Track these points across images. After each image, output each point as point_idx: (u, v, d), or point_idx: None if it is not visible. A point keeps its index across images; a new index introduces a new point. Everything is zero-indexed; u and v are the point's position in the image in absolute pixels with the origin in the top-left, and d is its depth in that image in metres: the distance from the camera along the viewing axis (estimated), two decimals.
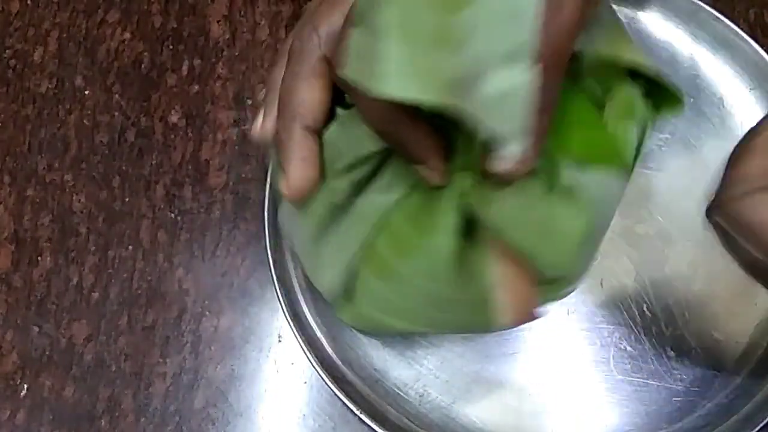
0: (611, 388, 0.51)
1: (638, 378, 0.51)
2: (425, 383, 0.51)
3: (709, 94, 0.58)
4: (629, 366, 0.51)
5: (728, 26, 0.57)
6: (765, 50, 0.56)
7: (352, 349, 0.52)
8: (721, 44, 0.58)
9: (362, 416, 0.48)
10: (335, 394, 0.48)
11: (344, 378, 0.50)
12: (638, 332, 0.52)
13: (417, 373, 0.52)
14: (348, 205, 0.41)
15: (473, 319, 0.42)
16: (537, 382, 0.51)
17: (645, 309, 0.52)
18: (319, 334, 0.52)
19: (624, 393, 0.51)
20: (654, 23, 0.60)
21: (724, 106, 0.58)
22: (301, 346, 0.49)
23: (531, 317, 0.40)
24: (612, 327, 0.52)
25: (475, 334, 0.51)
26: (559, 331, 0.52)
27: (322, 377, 0.48)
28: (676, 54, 0.59)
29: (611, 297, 0.53)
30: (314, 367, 0.49)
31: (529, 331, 0.52)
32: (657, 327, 0.52)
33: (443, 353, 0.52)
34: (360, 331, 0.52)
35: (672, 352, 0.52)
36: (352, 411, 0.48)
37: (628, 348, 0.52)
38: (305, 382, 0.52)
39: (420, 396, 0.51)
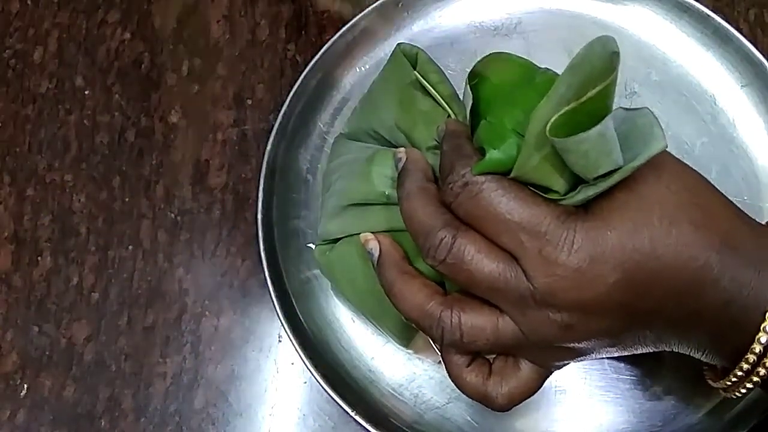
0: (606, 387, 0.49)
1: (632, 376, 0.49)
2: (420, 384, 0.49)
3: (700, 92, 0.55)
4: (623, 364, 0.49)
5: (719, 23, 0.54)
6: (765, 49, 0.52)
7: (347, 350, 0.49)
8: (712, 41, 0.55)
9: (357, 418, 0.45)
10: (330, 396, 0.46)
11: (339, 380, 0.48)
12: None
13: (411, 374, 0.49)
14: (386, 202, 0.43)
15: (397, 329, 0.45)
16: None
17: None
18: (313, 336, 0.49)
19: (618, 391, 0.48)
20: (645, 20, 0.57)
21: (716, 104, 0.55)
22: (296, 348, 0.47)
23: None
24: None
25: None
26: None
27: (316, 379, 0.46)
28: (667, 51, 0.56)
29: None
30: (309, 368, 0.46)
31: None
32: None
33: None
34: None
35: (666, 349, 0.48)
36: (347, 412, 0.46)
37: None
38: (305, 382, 0.50)
39: (415, 396, 0.49)
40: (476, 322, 0.35)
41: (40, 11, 0.60)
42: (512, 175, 0.34)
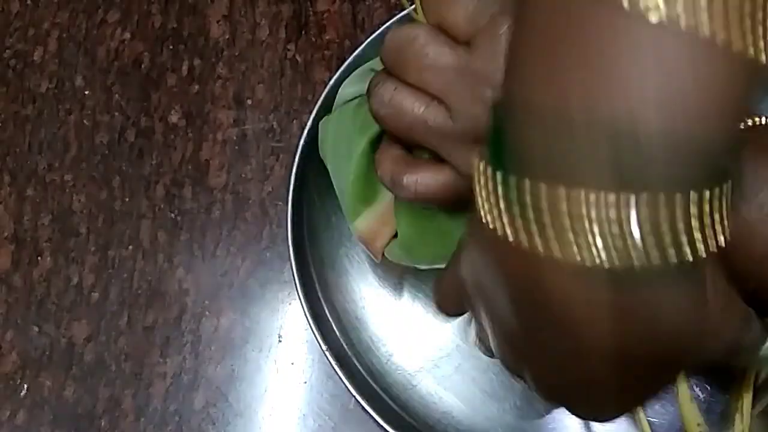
0: None
1: None
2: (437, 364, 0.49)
3: None
4: None
5: None
6: None
7: (365, 332, 0.49)
8: None
9: (359, 398, 0.45)
10: (342, 381, 0.45)
11: (348, 363, 0.48)
12: None
13: (429, 357, 0.49)
14: None
15: (348, 204, 0.43)
16: None
17: None
18: (332, 320, 0.49)
19: None
20: None
21: None
22: (308, 318, 0.46)
23: None
24: None
25: None
26: None
27: (328, 359, 0.45)
28: None
29: None
30: (322, 349, 0.46)
31: None
32: None
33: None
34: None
35: None
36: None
37: None
38: (305, 382, 0.50)
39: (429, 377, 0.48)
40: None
41: (40, 11, 0.60)
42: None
